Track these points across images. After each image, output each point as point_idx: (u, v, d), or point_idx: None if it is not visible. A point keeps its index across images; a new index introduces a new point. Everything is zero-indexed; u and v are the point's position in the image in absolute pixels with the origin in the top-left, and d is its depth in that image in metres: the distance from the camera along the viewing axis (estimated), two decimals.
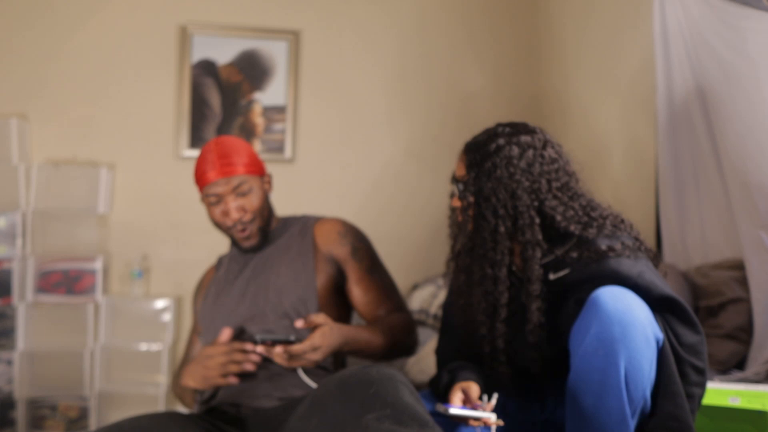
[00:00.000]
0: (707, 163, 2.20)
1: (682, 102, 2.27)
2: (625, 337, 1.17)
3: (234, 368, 1.49)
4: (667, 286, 1.30)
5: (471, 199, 1.42)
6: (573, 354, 1.24)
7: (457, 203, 1.48)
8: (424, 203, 3.47)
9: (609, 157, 2.83)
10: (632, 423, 1.21)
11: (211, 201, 1.69)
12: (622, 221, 1.39)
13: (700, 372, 1.27)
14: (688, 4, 2.20)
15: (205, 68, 3.31)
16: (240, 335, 1.62)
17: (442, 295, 2.91)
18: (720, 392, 1.42)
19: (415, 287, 3.23)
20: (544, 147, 1.42)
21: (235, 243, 1.76)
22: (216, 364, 1.50)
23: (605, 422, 1.19)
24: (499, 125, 1.48)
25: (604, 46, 2.94)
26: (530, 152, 1.40)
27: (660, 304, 1.27)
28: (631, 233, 1.37)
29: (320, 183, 3.42)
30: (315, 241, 1.73)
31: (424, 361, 2.07)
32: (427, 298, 3.00)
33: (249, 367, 1.50)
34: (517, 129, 1.45)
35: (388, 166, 3.47)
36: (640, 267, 1.30)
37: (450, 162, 3.48)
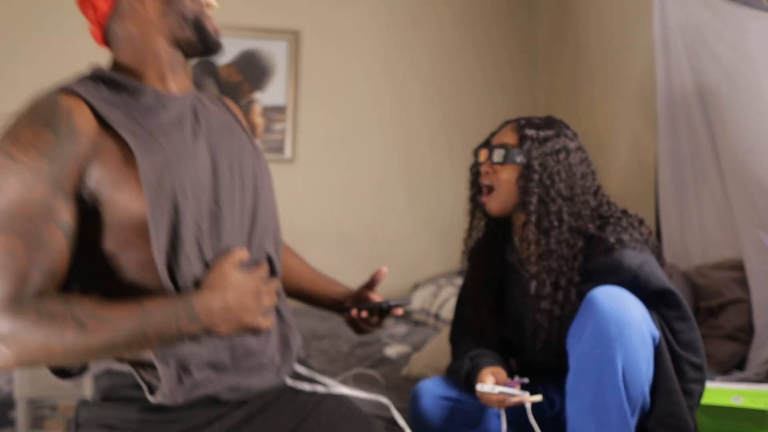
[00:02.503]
0: (707, 163, 2.20)
1: (682, 102, 2.28)
2: (621, 335, 1.17)
3: (269, 302, 1.06)
4: (666, 280, 1.30)
5: (537, 166, 1.37)
6: (570, 353, 1.25)
7: (488, 168, 1.43)
8: (425, 204, 3.48)
9: (609, 157, 2.83)
10: (632, 421, 1.21)
11: None
12: (640, 221, 1.40)
13: (698, 368, 1.26)
14: (689, 5, 2.21)
15: (205, 68, 3.31)
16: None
17: (443, 295, 2.91)
18: (723, 392, 1.43)
19: (416, 287, 3.23)
20: (582, 148, 1.44)
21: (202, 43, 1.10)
22: (255, 299, 1.02)
23: (605, 421, 1.19)
24: (548, 116, 1.47)
25: (604, 46, 2.94)
26: (580, 147, 1.43)
27: (657, 298, 1.27)
28: (641, 230, 1.38)
29: (320, 183, 3.42)
30: (235, 115, 1.25)
31: (429, 357, 2.09)
32: (427, 297, 3.00)
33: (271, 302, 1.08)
34: (564, 123, 1.46)
35: (389, 166, 3.48)
36: (642, 258, 1.31)
37: (449, 163, 3.49)
